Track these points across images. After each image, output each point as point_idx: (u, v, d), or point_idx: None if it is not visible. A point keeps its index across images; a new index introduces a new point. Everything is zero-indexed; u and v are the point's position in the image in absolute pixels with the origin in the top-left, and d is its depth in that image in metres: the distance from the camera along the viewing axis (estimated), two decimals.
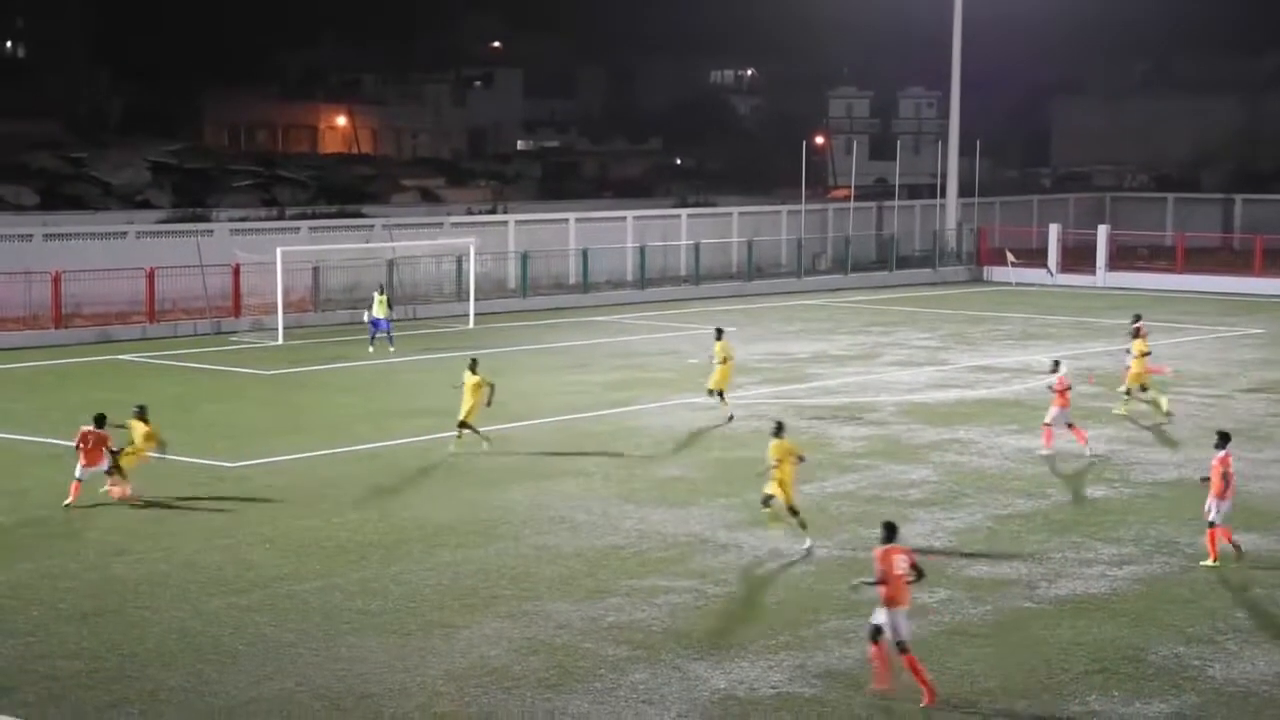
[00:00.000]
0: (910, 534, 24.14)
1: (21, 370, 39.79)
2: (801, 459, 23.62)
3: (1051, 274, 66.37)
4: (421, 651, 18.58)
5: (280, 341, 45.21)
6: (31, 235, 49.37)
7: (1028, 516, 25.48)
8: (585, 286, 58.42)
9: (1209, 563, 22.41)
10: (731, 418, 33.14)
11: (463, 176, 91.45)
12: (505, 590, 21.07)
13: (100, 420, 25.59)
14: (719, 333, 34.76)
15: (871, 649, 17.37)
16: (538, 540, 23.67)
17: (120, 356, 42.54)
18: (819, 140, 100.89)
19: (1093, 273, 66.74)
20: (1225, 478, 22.52)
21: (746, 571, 22.23)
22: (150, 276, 47.04)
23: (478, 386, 29.52)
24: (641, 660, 18.42)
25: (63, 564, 22.02)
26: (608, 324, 51.05)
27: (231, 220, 57.77)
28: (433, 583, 21.40)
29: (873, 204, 74.09)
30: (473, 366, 29.94)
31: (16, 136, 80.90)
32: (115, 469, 25.38)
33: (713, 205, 72.80)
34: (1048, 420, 30.25)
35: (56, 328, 45.08)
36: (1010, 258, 66.79)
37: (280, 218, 61.24)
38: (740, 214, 68.36)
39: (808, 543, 23.06)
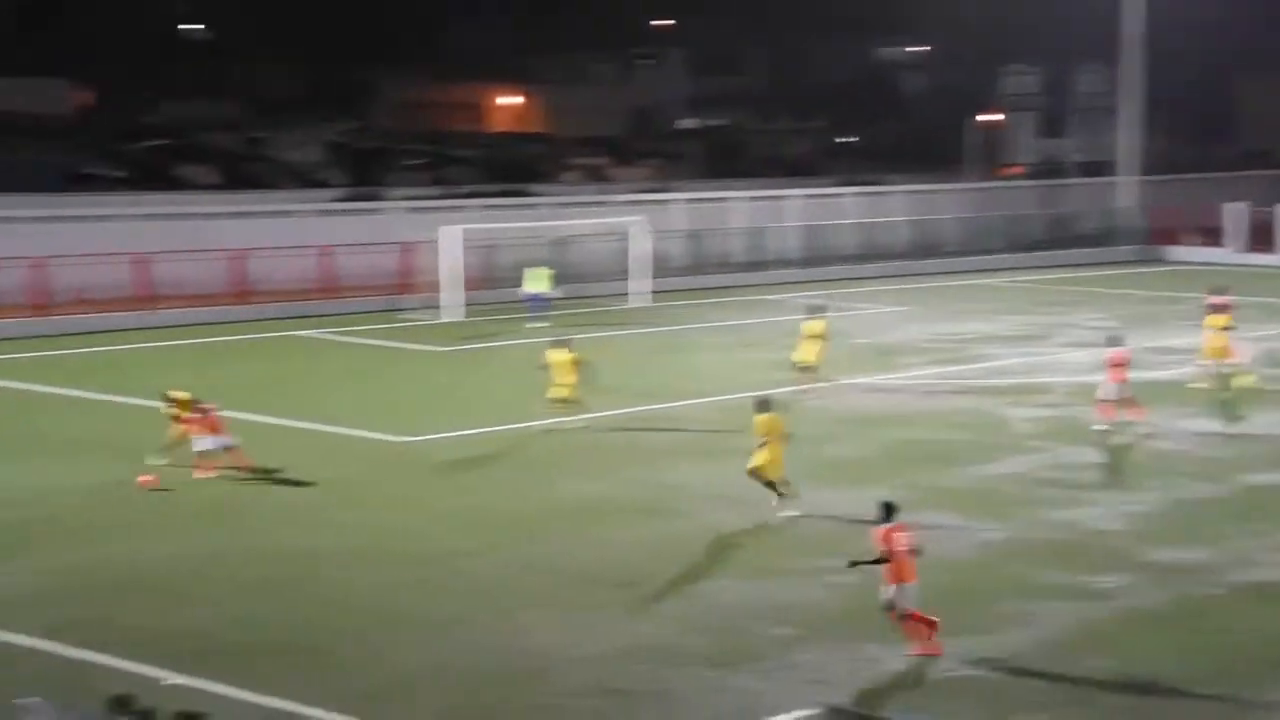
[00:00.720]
0: (1086, 517, 23.80)
1: (204, 345, 40.83)
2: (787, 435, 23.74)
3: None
4: (591, 628, 18.75)
5: (449, 319, 45.82)
6: (214, 214, 50.60)
7: (1209, 501, 24.93)
8: (752, 265, 58.27)
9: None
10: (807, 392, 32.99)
11: (629, 155, 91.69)
12: (673, 568, 21.16)
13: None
14: (815, 310, 34.27)
15: (894, 619, 17.60)
16: (705, 518, 23.72)
17: (296, 333, 43.45)
18: (988, 117, 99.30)
19: (1274, 251, 64.87)
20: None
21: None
22: (326, 254, 47.96)
23: (574, 364, 29.44)
24: (809, 640, 18.39)
25: (248, 536, 22.59)
26: (774, 303, 50.92)
27: (403, 198, 58.63)
28: (600, 559, 21.58)
29: (1044, 182, 72.79)
30: (563, 345, 29.93)
31: (198, 118, 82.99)
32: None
33: (879, 184, 72.11)
34: (1104, 395, 29.66)
35: (237, 304, 46.19)
36: (1187, 237, 64.66)
37: (450, 196, 61.99)
38: (907, 192, 67.65)
39: (794, 512, 23.33)
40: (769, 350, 39.90)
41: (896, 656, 17.81)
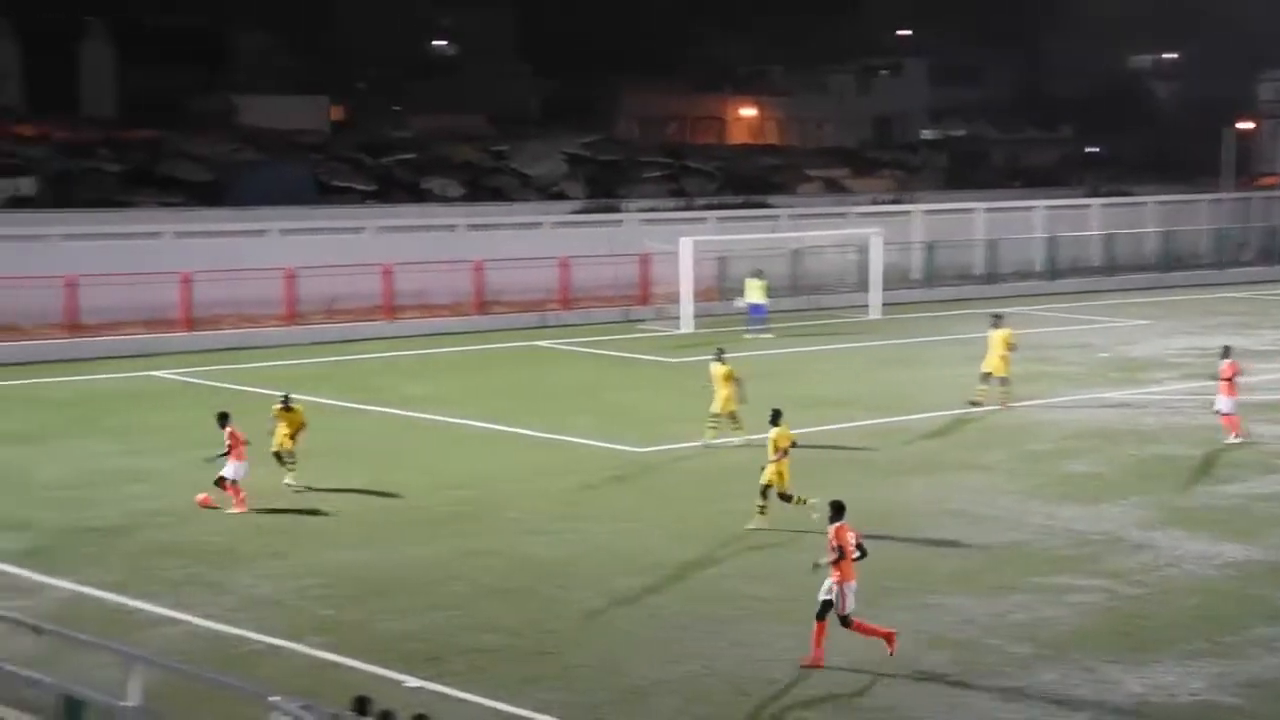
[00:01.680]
0: None
1: (448, 355, 41.76)
2: (792, 446, 23.78)
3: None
4: (826, 639, 18.60)
5: (685, 330, 46.05)
6: (455, 226, 51.71)
7: None
8: (991, 277, 57.34)
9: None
10: (977, 404, 32.72)
11: (868, 166, 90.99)
12: (905, 583, 20.91)
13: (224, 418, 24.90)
14: (998, 320, 33.91)
15: (817, 625, 17.62)
16: (937, 534, 23.39)
17: (535, 342, 44.14)
18: (1245, 125, 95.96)
19: None
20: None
21: (1162, 573, 21.42)
22: (564, 266, 48.65)
23: (727, 377, 29.26)
24: (1050, 659, 18.00)
25: (484, 541, 23.00)
26: (1014, 315, 49.97)
27: (641, 210, 59.14)
28: None
29: None
30: (719, 357, 29.81)
31: (444, 130, 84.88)
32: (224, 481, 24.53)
33: (1127, 194, 70.28)
34: (1223, 410, 29.72)
35: (478, 314, 47.13)
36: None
37: (688, 208, 62.31)
38: (1156, 203, 65.82)
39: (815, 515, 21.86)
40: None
41: (1139, 678, 17.32)
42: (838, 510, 18.22)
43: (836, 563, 17.80)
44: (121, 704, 13.67)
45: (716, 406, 29.37)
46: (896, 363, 40.19)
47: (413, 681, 17.14)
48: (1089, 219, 62.99)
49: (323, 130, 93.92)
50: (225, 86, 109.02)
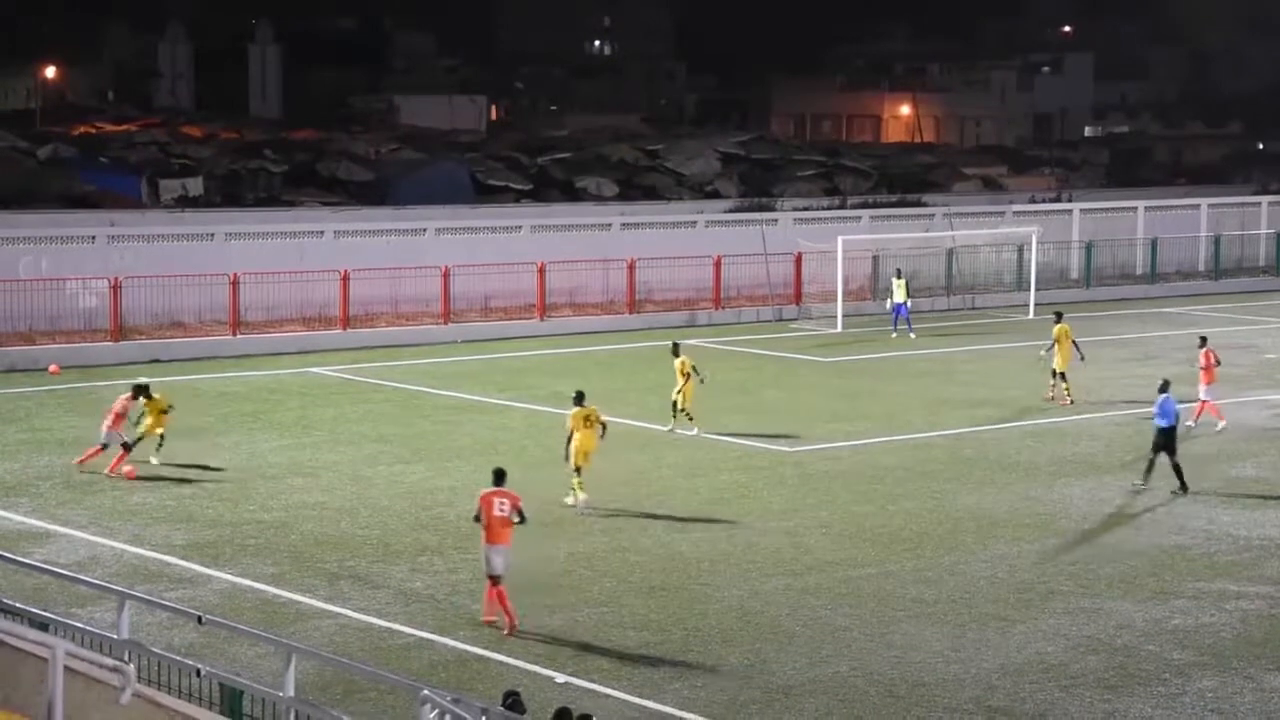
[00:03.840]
0: None
1: (600, 353, 41.97)
2: (603, 425, 24.67)
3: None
4: (976, 644, 18.42)
5: (839, 329, 45.77)
6: (609, 224, 51.93)
7: None
8: (1153, 277, 56.18)
9: None
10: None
11: (1026, 164, 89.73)
12: (1063, 586, 20.60)
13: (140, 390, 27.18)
14: (1058, 315, 34.26)
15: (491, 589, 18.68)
16: (1097, 536, 23.02)
17: (687, 341, 44.09)
18: None
19: None
20: None
21: None
22: (717, 264, 48.62)
23: (684, 370, 29.72)
24: (1209, 667, 17.62)
25: (632, 538, 23.10)
26: (1176, 316, 48.94)
27: (795, 209, 58.88)
28: (988, 574, 21.18)
29: None
30: (675, 350, 30.25)
31: (600, 130, 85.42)
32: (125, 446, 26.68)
33: None
34: (1202, 396, 30.36)
35: (630, 313, 47.28)
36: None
37: (842, 206, 61.90)
38: None
39: (572, 501, 24.19)
40: (1166, 365, 38.34)
41: None
42: (496, 478, 19.21)
43: (486, 526, 18.91)
44: (278, 694, 13.95)
45: (676, 397, 29.91)
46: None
47: (560, 677, 17.28)
48: (1256, 217, 61.37)
49: (480, 130, 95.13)
50: (386, 87, 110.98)
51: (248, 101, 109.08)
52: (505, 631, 18.67)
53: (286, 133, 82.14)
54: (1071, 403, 32.91)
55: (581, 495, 24.45)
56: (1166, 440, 25.41)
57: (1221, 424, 30.48)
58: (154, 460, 27.14)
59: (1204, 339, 31.51)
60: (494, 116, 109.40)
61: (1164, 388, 25.82)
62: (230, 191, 65.88)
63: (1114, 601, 19.95)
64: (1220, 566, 21.45)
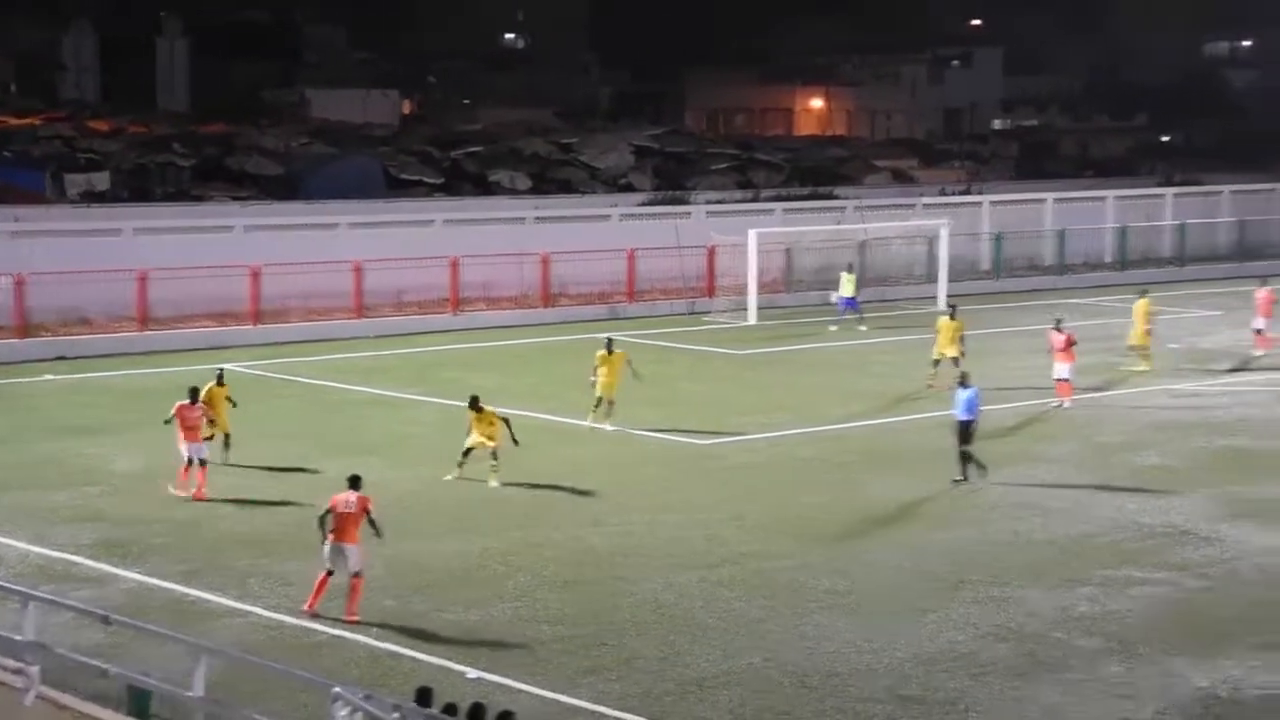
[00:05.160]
0: None
1: (513, 348, 41.87)
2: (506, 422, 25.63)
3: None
4: (889, 633, 18.57)
5: (752, 322, 45.95)
6: (523, 218, 51.83)
7: None
8: (1061, 268, 56.86)
9: None
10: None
11: (936, 157, 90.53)
12: (973, 575, 20.81)
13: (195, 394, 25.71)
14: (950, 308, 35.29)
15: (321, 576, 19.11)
16: (1007, 525, 23.28)
17: (600, 335, 44.09)
18: None
19: None
20: None
21: (1229, 566, 21.23)
22: (631, 258, 48.67)
23: (614, 363, 30.09)
24: (1116, 653, 17.87)
25: (547, 533, 23.07)
26: (1084, 306, 49.56)
27: (708, 202, 59.05)
28: (899, 565, 21.37)
29: None
30: (609, 346, 30.45)
31: (513, 123, 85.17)
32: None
33: (1201, 184, 69.44)
34: (1063, 375, 32.05)
35: (544, 306, 47.21)
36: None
37: (755, 200, 62.14)
38: (1232, 192, 64.97)
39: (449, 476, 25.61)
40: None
41: (1205, 672, 17.16)
42: (350, 483, 19.53)
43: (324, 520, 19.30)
44: (187, 694, 13.82)
45: (600, 391, 30.08)
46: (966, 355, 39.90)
47: (473, 673, 17.24)
48: (1161, 209, 62.28)
49: (393, 124, 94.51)
50: (297, 81, 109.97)
51: (155, 95, 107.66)
52: (346, 618, 18.93)
53: (195, 126, 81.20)
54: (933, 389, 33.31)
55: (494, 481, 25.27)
56: (964, 432, 25.68)
57: (1066, 404, 31.90)
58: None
59: (1059, 320, 33.04)
60: (407, 110, 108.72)
61: (963, 382, 26.15)
62: (138, 186, 65.10)
63: (1023, 590, 20.19)
64: (1126, 554, 21.76)
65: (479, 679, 17.02)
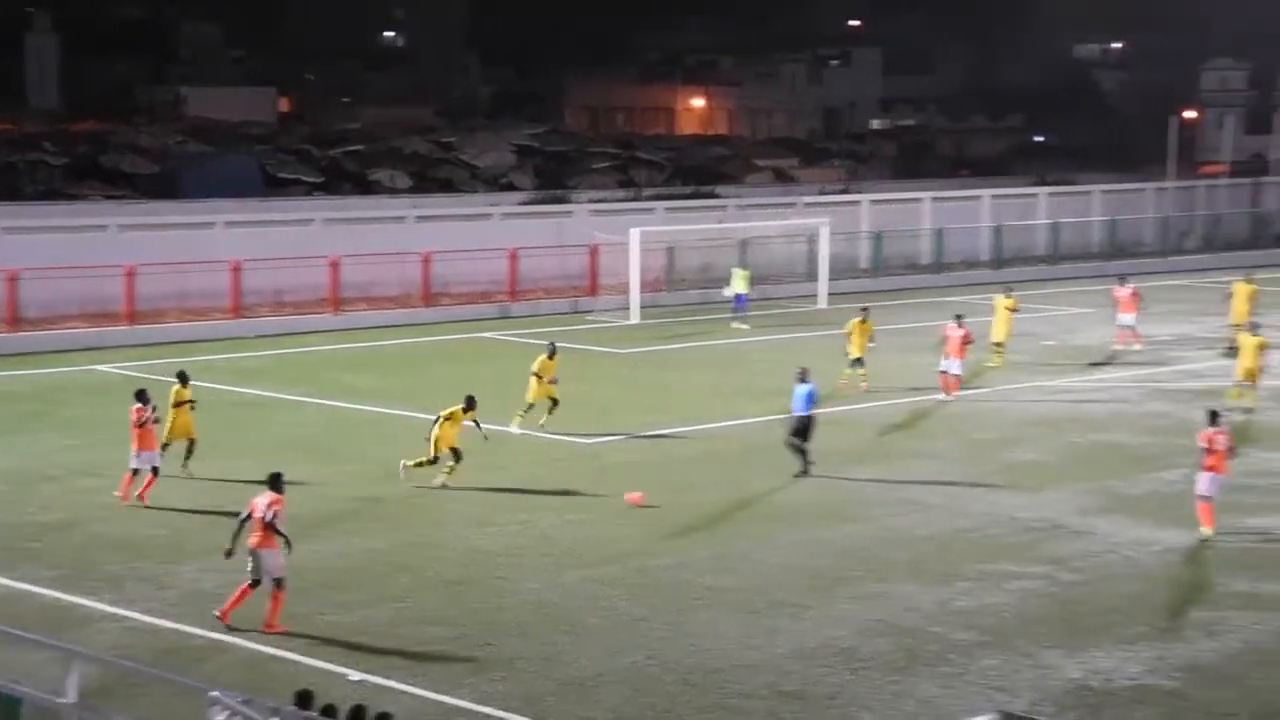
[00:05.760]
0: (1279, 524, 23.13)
1: (393, 348, 41.62)
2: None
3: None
4: (770, 630, 18.72)
5: (635, 321, 46.06)
6: (404, 217, 51.52)
7: None
8: (939, 267, 57.61)
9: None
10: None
11: (817, 156, 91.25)
12: (854, 571, 21.04)
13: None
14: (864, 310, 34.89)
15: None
16: (887, 522, 23.54)
17: (482, 335, 44.06)
18: (1189, 114, 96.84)
19: None
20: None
21: (1101, 559, 21.64)
22: (512, 257, 48.57)
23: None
24: (991, 646, 18.15)
25: (430, 534, 22.97)
26: (961, 304, 50.20)
27: (590, 201, 59.09)
28: (782, 562, 21.53)
29: (1248, 180, 70.69)
30: (551, 351, 30.27)
31: (393, 122, 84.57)
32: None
33: (1073, 183, 70.71)
34: (954, 370, 32.81)
35: (425, 306, 46.97)
36: None
37: (637, 199, 62.28)
38: (1103, 192, 66.23)
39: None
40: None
41: (1078, 663, 17.49)
42: (273, 482, 19.08)
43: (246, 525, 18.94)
44: (59, 700, 13.59)
45: (531, 396, 30.05)
46: (841, 354, 40.29)
47: (355, 675, 17.13)
48: (1035, 208, 63.33)
49: (270, 122, 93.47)
50: (172, 78, 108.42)
51: (25, 92, 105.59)
52: (262, 628, 18.62)
53: (67, 125, 79.74)
54: (866, 390, 33.61)
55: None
56: (799, 428, 25.96)
57: (951, 398, 32.56)
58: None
59: (959, 317, 33.76)
60: (285, 109, 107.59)
61: (803, 377, 26.42)
62: (7, 185, 63.76)
63: (901, 585, 20.44)
64: (1001, 548, 22.10)
65: (361, 681, 16.92)
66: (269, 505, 18.76)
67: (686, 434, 30.01)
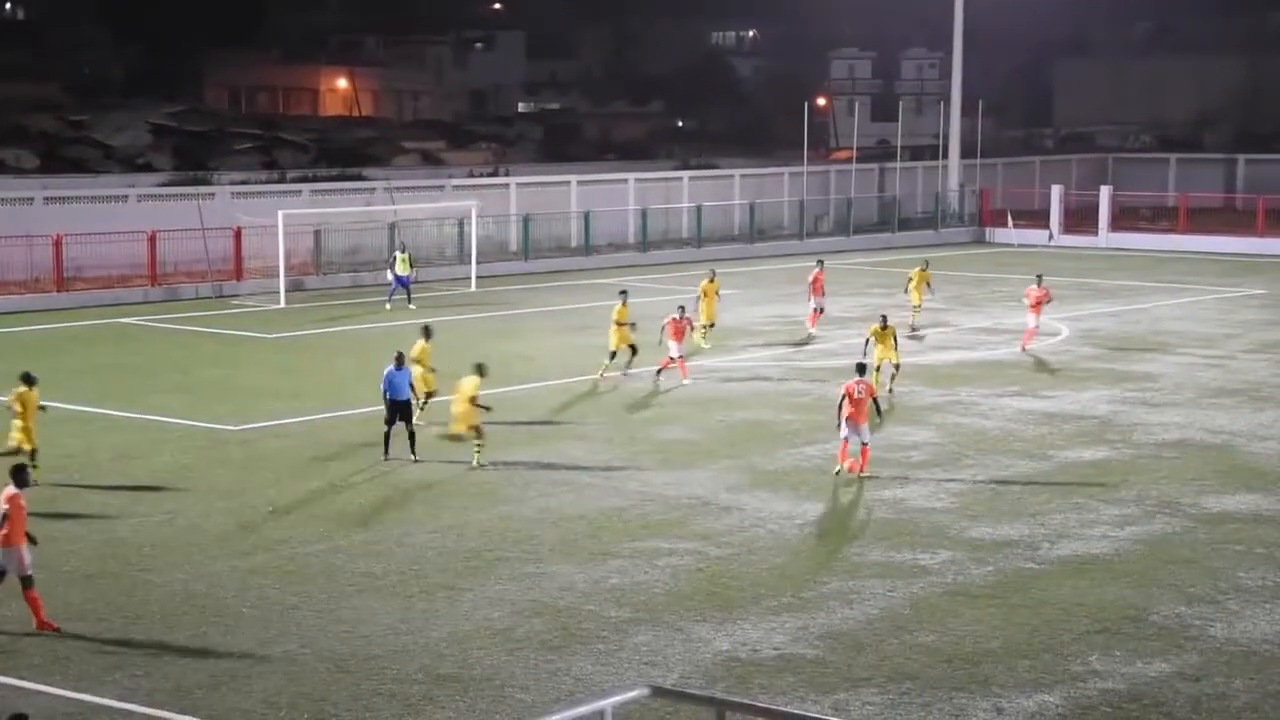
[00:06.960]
0: (912, 495, 24.23)
1: (24, 334, 39.80)
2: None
3: (1052, 236, 66.44)
4: (425, 614, 18.64)
5: (282, 305, 45.20)
6: (32, 198, 49.26)
7: (1029, 477, 25.52)
8: (587, 249, 58.31)
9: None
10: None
11: (464, 139, 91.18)
12: (508, 552, 21.13)
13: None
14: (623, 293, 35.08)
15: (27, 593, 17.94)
16: (541, 503, 23.71)
17: (122, 320, 42.53)
18: (820, 102, 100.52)
19: (1095, 234, 66.66)
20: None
21: (748, 534, 22.28)
22: (151, 239, 47.00)
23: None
24: (644, 622, 18.48)
25: (67, 526, 22.07)
26: (609, 286, 50.95)
27: (232, 183, 57.66)
28: (436, 545, 21.46)
29: (875, 165, 73.88)
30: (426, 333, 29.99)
31: (16, 99, 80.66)
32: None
33: (714, 167, 72.60)
34: (676, 354, 33.17)
35: (58, 291, 45.06)
36: (1010, 220, 66.77)
37: (281, 180, 61.07)
38: (742, 176, 68.17)
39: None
40: (601, 335, 39.89)
41: (726, 636, 17.98)
42: (16, 476, 18.39)
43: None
44: None
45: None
46: (494, 335, 40.45)
47: None
48: (679, 191, 64.74)
49: None
50: None
51: None
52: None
53: None
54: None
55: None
56: (398, 413, 26.18)
57: (686, 381, 33.10)
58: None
59: (683, 308, 34.09)
60: None
61: (399, 362, 26.61)
62: None
63: (556, 565, 20.62)
64: (653, 526, 22.53)
65: None
66: (7, 500, 17.88)
67: (337, 418, 29.60)
